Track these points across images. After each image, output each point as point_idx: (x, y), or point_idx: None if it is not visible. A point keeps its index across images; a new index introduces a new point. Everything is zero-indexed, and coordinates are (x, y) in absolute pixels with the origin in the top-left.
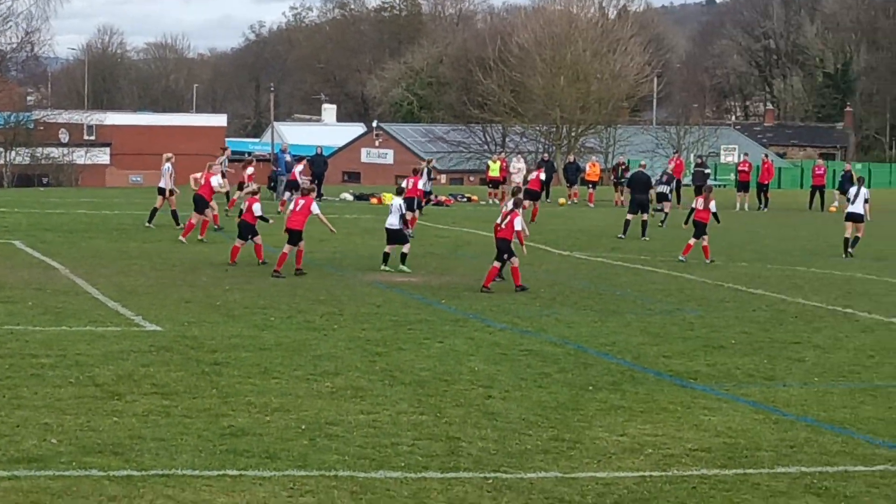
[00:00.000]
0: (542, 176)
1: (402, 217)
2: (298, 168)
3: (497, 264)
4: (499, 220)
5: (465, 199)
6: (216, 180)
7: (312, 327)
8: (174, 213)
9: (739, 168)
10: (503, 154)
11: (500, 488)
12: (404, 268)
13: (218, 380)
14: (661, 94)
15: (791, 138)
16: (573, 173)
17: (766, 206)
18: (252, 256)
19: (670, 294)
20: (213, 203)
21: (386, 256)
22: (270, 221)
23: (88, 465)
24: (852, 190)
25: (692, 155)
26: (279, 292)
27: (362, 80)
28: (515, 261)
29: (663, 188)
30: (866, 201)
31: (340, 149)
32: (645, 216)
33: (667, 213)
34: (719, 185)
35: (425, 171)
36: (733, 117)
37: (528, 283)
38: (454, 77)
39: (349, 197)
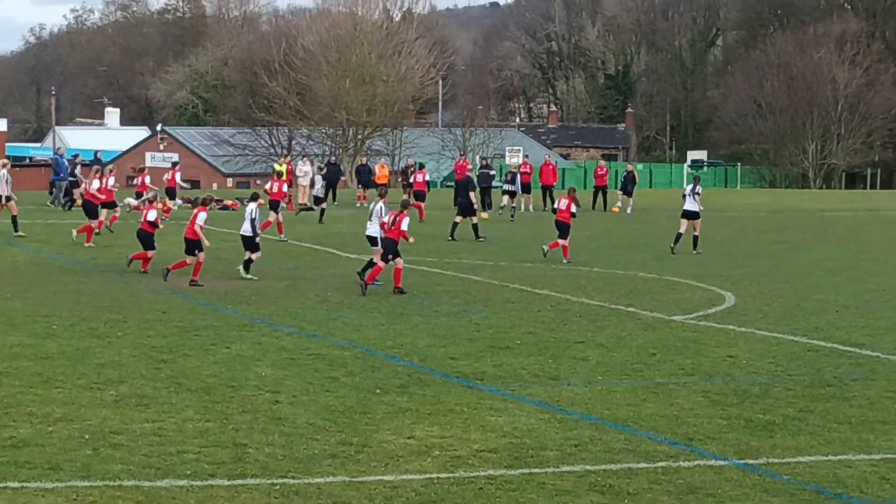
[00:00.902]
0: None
1: (254, 223)
2: (177, 175)
3: (382, 264)
4: (387, 220)
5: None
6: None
7: (96, 335)
8: (14, 220)
9: (521, 170)
10: (289, 157)
11: (287, 494)
12: (247, 274)
13: None
14: (446, 96)
15: (574, 139)
16: (365, 175)
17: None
18: (40, 262)
19: (457, 296)
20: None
21: (247, 263)
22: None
23: None
24: (688, 188)
25: (477, 156)
26: (62, 300)
27: (146, 84)
28: (399, 262)
29: (508, 186)
30: (697, 194)
31: (124, 153)
32: (474, 219)
33: (514, 207)
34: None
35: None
36: (518, 119)
37: (317, 287)
38: (239, 80)
39: (133, 202)
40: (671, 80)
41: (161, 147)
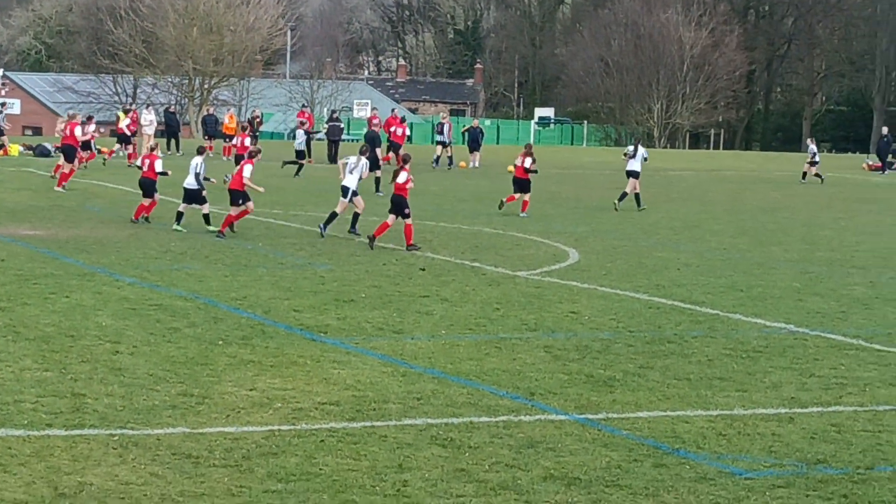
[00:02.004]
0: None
1: (198, 176)
2: (125, 122)
3: (391, 220)
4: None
5: (97, 151)
6: (79, 130)
7: None
8: None
9: (371, 122)
10: (134, 106)
11: (126, 445)
12: (211, 227)
13: None
14: (294, 47)
15: (423, 94)
16: (211, 126)
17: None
18: None
19: (302, 248)
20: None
21: (179, 215)
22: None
23: None
24: (630, 148)
25: (325, 109)
26: None
27: None
28: (410, 219)
29: (440, 137)
30: (645, 159)
31: None
32: (378, 173)
33: (450, 157)
34: (353, 140)
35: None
36: (366, 72)
37: (160, 237)
38: (84, 26)
39: None
40: (520, 36)
41: (3, 92)
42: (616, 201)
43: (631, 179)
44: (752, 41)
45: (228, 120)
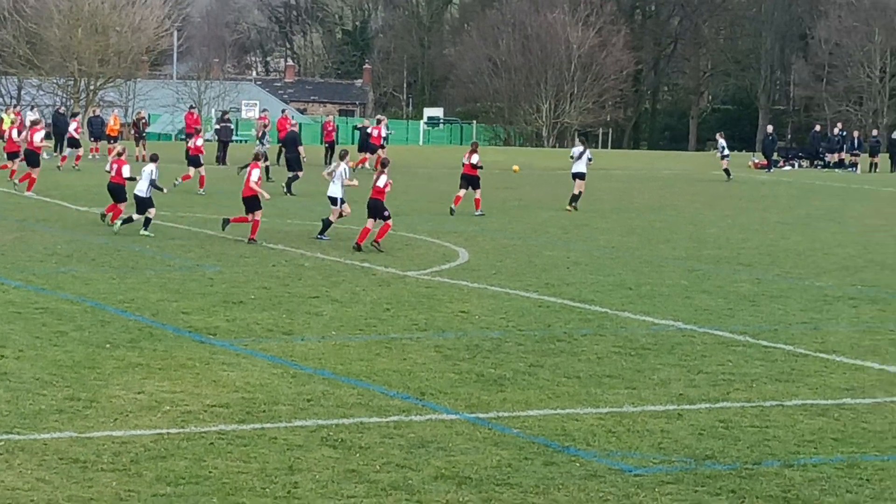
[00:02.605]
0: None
1: (154, 183)
2: (73, 126)
3: (370, 224)
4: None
5: None
6: (39, 136)
7: None
8: None
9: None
10: (18, 107)
11: (12, 450)
12: (145, 232)
13: None
14: (181, 48)
15: (312, 94)
16: (98, 127)
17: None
18: None
19: (190, 250)
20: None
21: (147, 221)
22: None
23: None
24: (576, 151)
25: (213, 110)
26: None
27: None
28: (390, 221)
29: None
30: (590, 160)
31: None
32: (300, 173)
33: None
34: (241, 141)
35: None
36: (254, 73)
37: (45, 240)
38: None
39: None
40: (408, 36)
41: None
42: (569, 204)
43: (577, 181)
44: (639, 41)
45: (113, 121)
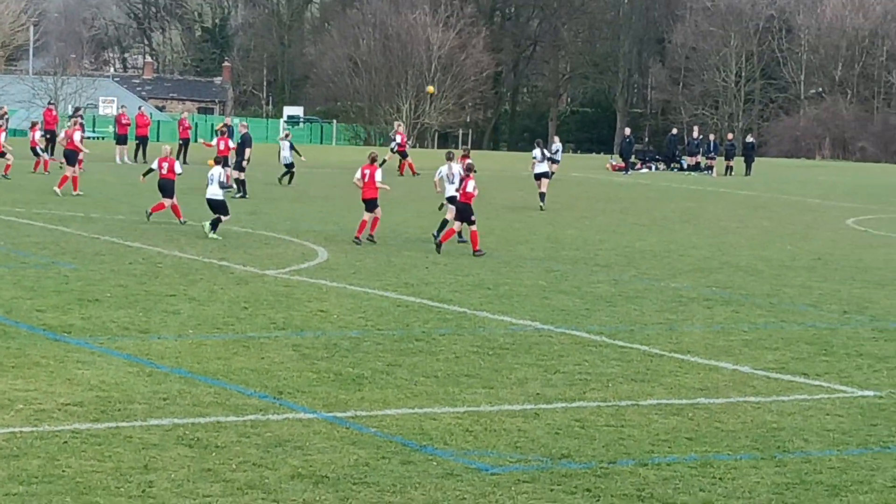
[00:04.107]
0: None
1: (222, 185)
2: (37, 135)
3: (457, 226)
4: (456, 185)
5: None
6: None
7: None
8: None
9: (122, 121)
10: None
11: None
12: (214, 235)
13: None
14: (37, 43)
15: (170, 91)
16: None
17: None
18: None
19: (45, 247)
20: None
21: (215, 222)
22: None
23: None
24: (536, 152)
25: (69, 105)
26: None
27: None
28: (475, 225)
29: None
30: (554, 162)
31: None
32: (241, 175)
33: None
34: (97, 138)
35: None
36: (112, 69)
37: None
38: None
39: None
40: (268, 35)
41: None
42: (540, 204)
43: (543, 180)
44: (499, 43)
45: None
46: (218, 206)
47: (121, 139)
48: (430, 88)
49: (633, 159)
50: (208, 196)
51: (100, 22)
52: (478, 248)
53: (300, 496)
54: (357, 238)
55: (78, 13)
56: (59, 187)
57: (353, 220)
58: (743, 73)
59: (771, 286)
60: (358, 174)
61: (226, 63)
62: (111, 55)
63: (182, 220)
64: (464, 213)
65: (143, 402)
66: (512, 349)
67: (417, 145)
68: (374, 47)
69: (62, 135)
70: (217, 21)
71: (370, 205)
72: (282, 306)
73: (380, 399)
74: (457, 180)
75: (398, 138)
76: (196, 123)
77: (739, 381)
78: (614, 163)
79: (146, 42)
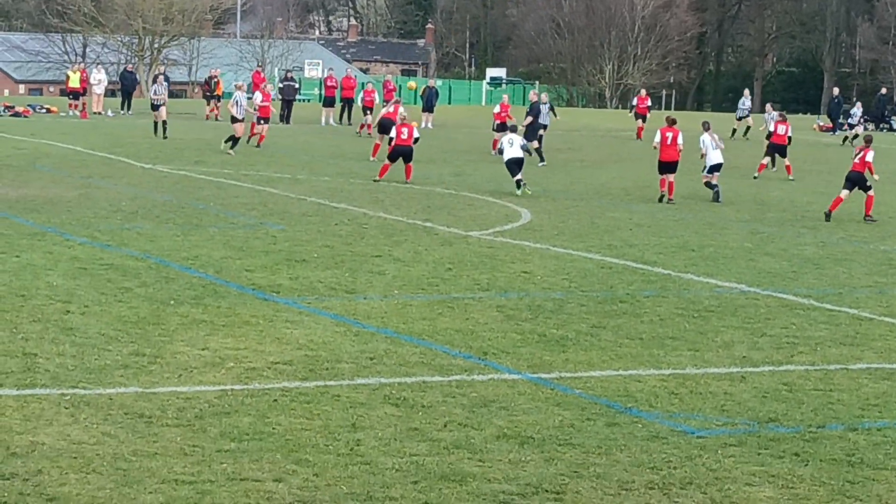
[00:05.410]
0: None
1: (523, 147)
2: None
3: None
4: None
5: (44, 111)
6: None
7: None
8: None
9: (327, 84)
10: (83, 65)
11: (77, 404)
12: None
13: None
14: (245, 6)
15: (374, 54)
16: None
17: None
18: None
19: (254, 208)
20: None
21: (519, 183)
22: None
23: None
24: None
25: (277, 69)
26: None
27: None
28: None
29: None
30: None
31: None
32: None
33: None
34: (305, 100)
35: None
36: (317, 32)
37: (110, 197)
38: None
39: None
40: None
41: None
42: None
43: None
44: (704, 2)
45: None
46: (516, 165)
47: (328, 101)
48: (412, 84)
49: (840, 119)
50: (510, 156)
51: None
52: (869, 213)
53: (506, 456)
54: (670, 199)
55: None
56: (373, 156)
57: (557, 182)
58: None
59: None
60: (658, 137)
61: (429, 25)
62: (316, 18)
63: (409, 180)
64: (859, 181)
65: (351, 362)
66: (717, 311)
67: (620, 106)
68: (576, 8)
69: (259, 97)
70: None
71: (670, 167)
72: (486, 267)
73: (584, 361)
74: (710, 148)
75: (636, 101)
76: (399, 86)
77: None
78: (822, 123)
79: (351, 5)
